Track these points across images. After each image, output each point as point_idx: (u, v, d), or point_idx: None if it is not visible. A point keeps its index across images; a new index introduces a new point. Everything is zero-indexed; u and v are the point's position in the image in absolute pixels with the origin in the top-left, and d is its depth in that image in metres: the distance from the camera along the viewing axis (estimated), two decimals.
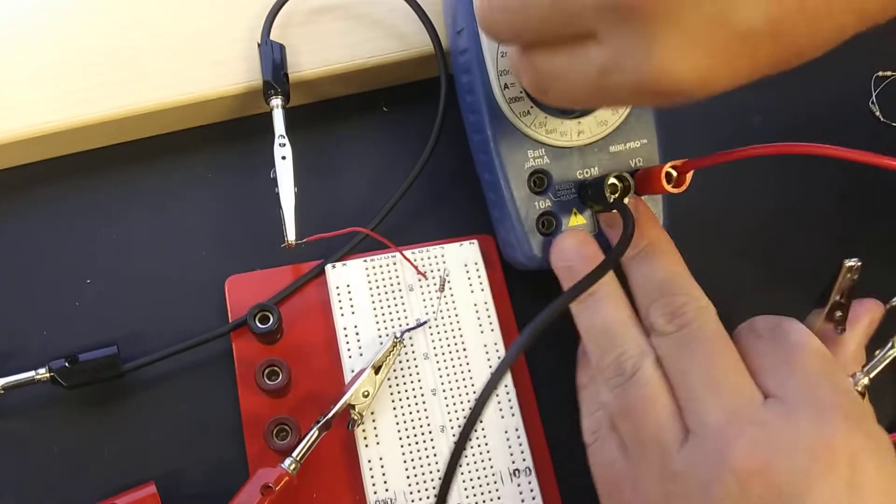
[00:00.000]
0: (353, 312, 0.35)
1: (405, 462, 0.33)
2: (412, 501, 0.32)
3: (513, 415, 0.34)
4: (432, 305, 0.35)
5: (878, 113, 0.43)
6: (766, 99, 0.43)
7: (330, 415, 0.32)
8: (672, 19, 0.23)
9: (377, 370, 0.33)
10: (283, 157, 0.35)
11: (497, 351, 0.35)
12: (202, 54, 0.38)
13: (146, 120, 0.37)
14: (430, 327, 0.35)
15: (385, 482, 0.32)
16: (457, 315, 0.35)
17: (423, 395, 0.34)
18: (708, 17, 0.23)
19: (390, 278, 0.36)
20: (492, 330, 0.35)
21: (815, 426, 0.26)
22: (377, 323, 0.35)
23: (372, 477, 0.32)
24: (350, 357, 0.34)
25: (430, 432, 0.33)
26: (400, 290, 0.36)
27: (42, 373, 0.33)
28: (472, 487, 0.33)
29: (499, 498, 0.33)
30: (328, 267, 0.36)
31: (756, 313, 0.32)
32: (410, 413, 0.33)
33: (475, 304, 0.36)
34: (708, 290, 0.31)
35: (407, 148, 0.39)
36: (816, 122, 0.43)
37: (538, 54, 0.27)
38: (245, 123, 0.39)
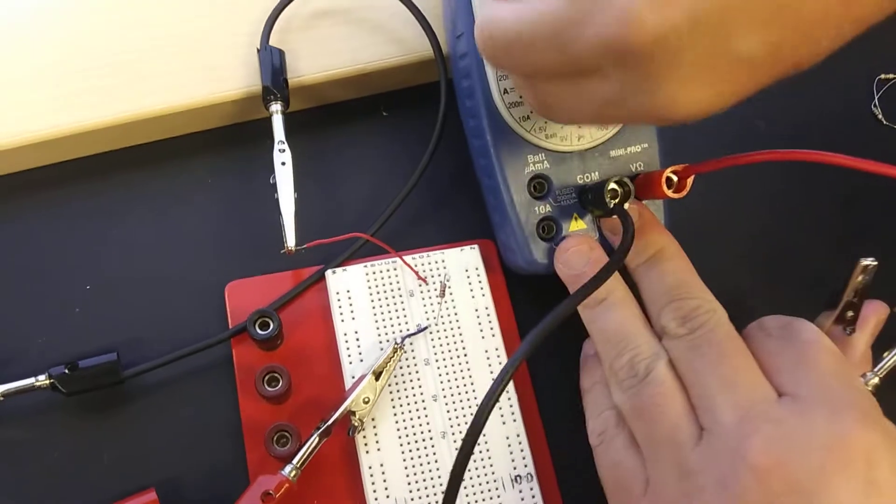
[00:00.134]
0: (353, 318, 0.35)
1: (406, 468, 0.33)
2: None
3: (514, 420, 0.34)
4: (433, 311, 0.35)
5: (880, 116, 0.43)
6: (768, 102, 0.42)
7: (330, 421, 0.32)
8: (674, 60, 0.24)
9: (378, 376, 0.33)
10: (283, 163, 0.35)
11: (498, 356, 0.35)
12: (201, 59, 0.38)
13: (145, 125, 0.37)
14: (430, 333, 0.35)
15: (386, 489, 0.32)
16: (458, 320, 0.35)
17: (423, 401, 0.34)
18: (708, 52, 0.23)
19: (391, 284, 0.36)
20: (493, 335, 0.35)
21: (830, 423, 0.26)
22: (377, 328, 0.35)
23: (373, 483, 0.32)
24: (350, 363, 0.34)
25: (431, 438, 0.33)
26: (400, 296, 0.35)
27: (42, 379, 0.32)
28: (474, 494, 0.32)
29: None
30: (328, 272, 0.36)
31: (760, 316, 0.32)
32: (411, 419, 0.33)
33: (476, 310, 0.36)
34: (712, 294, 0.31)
35: (407, 152, 0.39)
36: (819, 125, 0.42)
37: (542, 82, 0.28)
38: (245, 128, 0.39)
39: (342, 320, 0.35)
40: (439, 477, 0.33)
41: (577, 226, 0.35)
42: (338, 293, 0.35)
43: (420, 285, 0.36)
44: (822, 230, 0.40)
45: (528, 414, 0.34)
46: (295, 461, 0.31)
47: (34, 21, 0.38)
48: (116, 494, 0.32)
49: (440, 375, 0.34)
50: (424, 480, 0.32)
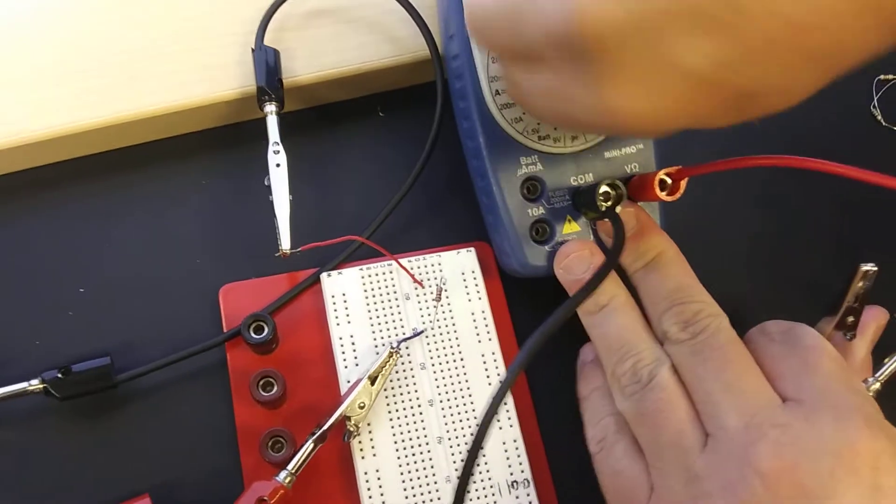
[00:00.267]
0: (348, 322, 0.35)
1: (402, 474, 0.32)
2: None
3: (511, 426, 0.34)
4: (429, 314, 0.35)
5: (879, 117, 0.42)
6: None
7: (325, 426, 0.31)
8: (614, 59, 0.24)
9: (373, 381, 0.33)
10: (278, 165, 0.35)
11: (495, 361, 0.35)
12: (195, 59, 0.37)
13: (138, 126, 0.37)
14: (426, 337, 0.35)
15: (382, 494, 0.32)
16: (454, 324, 0.35)
17: (420, 405, 0.34)
18: (647, 55, 0.23)
19: (386, 287, 0.35)
20: (489, 339, 0.35)
21: (837, 429, 0.26)
22: (373, 332, 0.34)
23: (368, 489, 0.32)
24: (346, 367, 0.34)
25: (428, 444, 0.33)
26: (396, 299, 0.35)
27: (35, 384, 0.32)
28: (471, 500, 0.32)
29: None
30: (324, 275, 0.35)
31: (760, 321, 0.32)
32: (407, 424, 0.33)
33: (472, 313, 0.35)
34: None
35: (403, 153, 0.39)
36: (817, 125, 0.42)
37: (508, 66, 0.29)
38: (239, 129, 0.39)
39: (337, 324, 0.34)
40: (435, 483, 0.32)
41: (570, 228, 0.35)
42: (333, 296, 0.35)
43: (416, 288, 0.35)
44: (821, 234, 0.40)
45: (525, 419, 0.34)
46: (290, 467, 0.31)
47: (29, 22, 0.37)
48: (110, 500, 0.32)
49: (436, 380, 0.34)
50: (421, 486, 0.32)
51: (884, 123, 0.42)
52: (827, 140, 0.42)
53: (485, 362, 0.35)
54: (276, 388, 0.33)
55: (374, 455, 0.32)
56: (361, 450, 0.32)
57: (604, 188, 0.33)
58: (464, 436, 0.33)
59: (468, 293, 0.36)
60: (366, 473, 0.32)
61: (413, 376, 0.34)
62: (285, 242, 0.34)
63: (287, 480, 0.31)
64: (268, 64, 0.36)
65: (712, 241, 0.39)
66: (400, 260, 0.35)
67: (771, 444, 0.26)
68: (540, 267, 0.34)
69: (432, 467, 0.33)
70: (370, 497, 0.32)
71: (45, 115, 0.36)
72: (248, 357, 0.34)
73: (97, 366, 0.33)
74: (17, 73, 0.36)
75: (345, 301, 0.35)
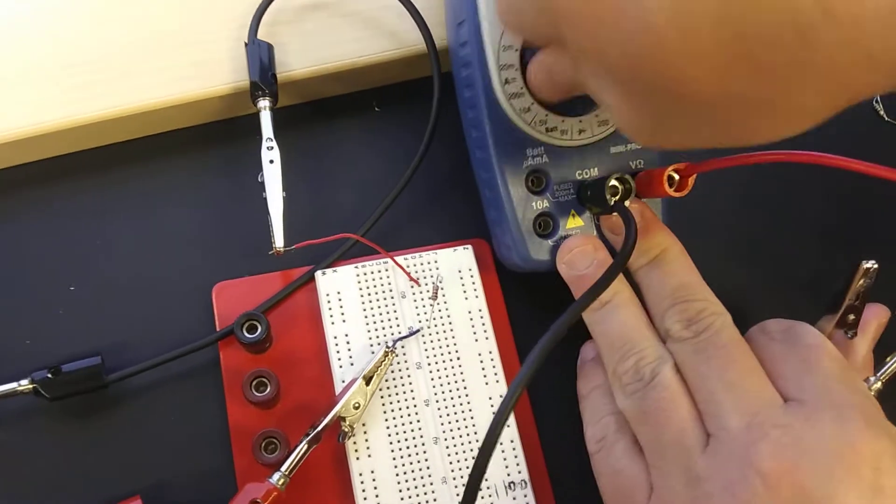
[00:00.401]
0: (343, 320, 0.34)
1: (397, 475, 0.32)
2: None
3: (508, 426, 0.33)
4: (425, 313, 0.34)
5: (882, 112, 0.42)
6: None
7: (319, 427, 0.31)
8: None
9: (368, 380, 0.32)
10: (271, 161, 0.34)
11: (492, 360, 0.34)
12: (187, 54, 0.37)
13: (129, 121, 0.36)
14: (423, 336, 0.34)
15: (377, 496, 0.31)
16: (451, 323, 0.34)
17: (415, 405, 0.33)
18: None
19: (382, 285, 0.35)
20: (486, 338, 0.34)
21: (838, 429, 0.26)
22: (368, 331, 0.34)
23: (363, 490, 0.31)
24: (341, 367, 0.33)
25: (423, 444, 0.32)
26: (392, 298, 0.35)
27: (24, 384, 0.32)
28: None
29: None
30: (318, 273, 0.35)
31: (761, 319, 0.31)
32: (403, 424, 0.33)
33: (469, 312, 0.35)
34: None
35: (399, 149, 0.38)
36: None
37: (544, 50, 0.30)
38: (232, 125, 0.38)
39: (332, 323, 0.34)
40: (431, 484, 0.32)
41: (574, 223, 0.34)
42: (328, 295, 0.34)
43: (412, 287, 0.35)
44: (823, 230, 0.39)
45: (523, 419, 0.34)
46: (283, 468, 0.30)
47: (19, 17, 0.37)
48: (101, 502, 0.31)
49: (433, 379, 0.34)
50: (416, 487, 0.32)
51: (886, 119, 0.42)
52: (829, 135, 0.41)
53: (482, 362, 0.34)
54: (269, 389, 0.32)
55: (370, 456, 0.32)
56: (356, 451, 0.32)
57: (613, 182, 0.33)
58: (460, 436, 0.33)
59: (465, 291, 0.35)
60: (361, 475, 0.32)
61: (409, 376, 0.33)
62: (279, 240, 0.33)
63: (281, 482, 0.30)
64: (261, 58, 0.36)
65: (713, 238, 0.38)
66: (396, 258, 0.35)
67: (772, 445, 0.26)
68: (542, 261, 0.34)
69: (428, 468, 0.32)
70: (365, 499, 0.31)
71: (35, 111, 0.35)
72: (241, 356, 0.34)
73: (88, 366, 0.32)
74: (6, 69, 0.36)
75: (339, 299, 0.34)
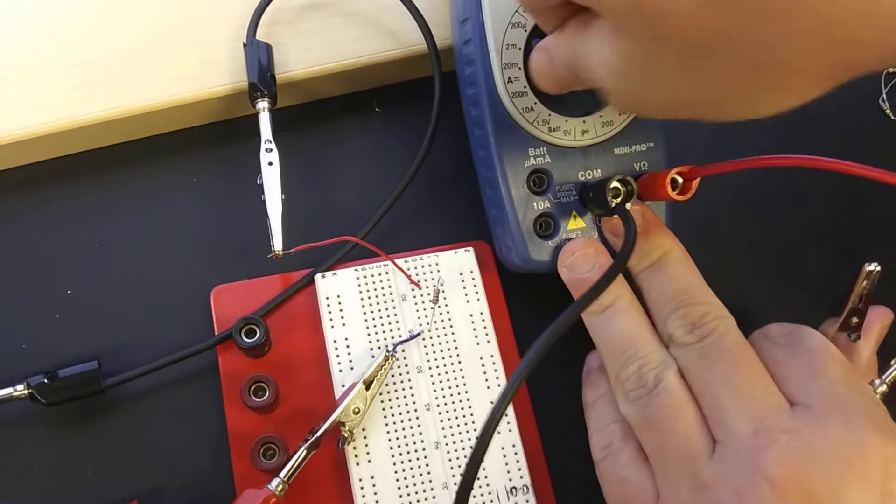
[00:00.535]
0: (343, 324, 0.34)
1: (398, 481, 0.31)
2: None
3: (510, 431, 0.33)
4: (426, 316, 0.34)
5: (888, 111, 0.42)
6: None
7: (319, 432, 0.31)
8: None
9: (368, 385, 0.32)
10: (270, 163, 0.34)
11: (493, 363, 0.34)
12: (185, 54, 0.36)
13: (127, 123, 0.36)
14: (423, 339, 0.34)
15: (377, 502, 0.31)
16: (451, 326, 0.34)
17: (416, 410, 0.33)
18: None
19: (382, 288, 0.34)
20: (488, 341, 0.34)
21: (845, 433, 0.26)
22: (369, 335, 0.34)
23: (363, 497, 0.31)
24: (340, 371, 0.33)
25: (424, 449, 0.32)
26: (392, 301, 0.34)
27: (20, 389, 0.31)
28: None
29: None
30: (318, 276, 0.34)
31: (764, 322, 0.31)
32: (403, 429, 0.32)
33: (471, 315, 0.34)
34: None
35: (400, 150, 0.38)
36: (825, 120, 0.41)
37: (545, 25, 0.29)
38: (231, 126, 0.38)
39: (332, 326, 0.34)
40: (432, 489, 0.32)
41: (575, 224, 0.34)
42: (327, 298, 0.34)
43: (413, 290, 0.34)
44: (828, 232, 0.39)
45: (525, 423, 0.33)
46: (282, 474, 0.30)
47: (17, 17, 0.36)
48: None
49: (433, 384, 0.33)
50: (417, 493, 0.31)
51: (892, 118, 0.41)
52: (836, 135, 0.41)
53: (483, 365, 0.34)
54: (268, 394, 0.32)
55: (370, 462, 0.32)
56: (356, 456, 0.32)
57: (614, 184, 0.32)
58: (462, 441, 0.32)
59: (466, 294, 0.35)
60: (361, 480, 0.31)
61: (409, 380, 0.33)
62: (277, 243, 0.33)
63: (279, 488, 0.30)
64: (260, 59, 0.35)
65: (715, 241, 0.38)
66: (396, 260, 0.34)
67: (780, 451, 0.26)
68: (542, 262, 0.34)
69: (429, 473, 0.32)
70: None
71: (32, 112, 0.35)
72: (240, 361, 0.33)
73: (84, 370, 0.32)
74: (4, 69, 0.35)
75: (339, 303, 0.34)
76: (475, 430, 0.32)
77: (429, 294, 0.34)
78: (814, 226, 0.39)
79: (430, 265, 0.35)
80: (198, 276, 0.35)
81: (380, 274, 0.35)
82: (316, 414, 0.32)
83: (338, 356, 0.33)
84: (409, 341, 0.33)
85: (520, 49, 0.33)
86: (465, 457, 0.32)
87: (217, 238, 0.36)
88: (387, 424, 0.32)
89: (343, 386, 0.32)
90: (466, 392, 0.33)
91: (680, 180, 0.31)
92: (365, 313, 0.34)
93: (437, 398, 0.33)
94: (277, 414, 0.33)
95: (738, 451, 0.27)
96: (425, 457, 0.32)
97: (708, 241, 0.36)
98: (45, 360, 0.33)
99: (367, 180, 0.38)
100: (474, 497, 0.32)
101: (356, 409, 0.31)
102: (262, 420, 0.32)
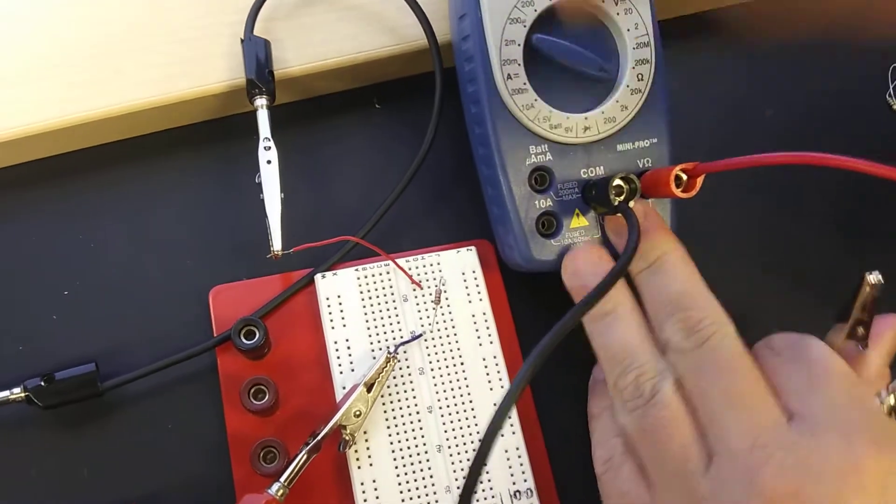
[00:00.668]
0: (344, 325, 0.33)
1: (400, 484, 0.31)
2: None
3: (514, 433, 0.32)
4: (428, 317, 0.34)
5: (895, 106, 0.41)
6: (779, 91, 0.41)
7: (320, 436, 0.30)
8: None
9: (370, 387, 0.31)
10: (269, 162, 0.33)
11: (496, 364, 0.33)
12: (182, 51, 0.36)
13: (123, 121, 0.35)
14: (425, 340, 0.33)
15: None
16: (454, 327, 0.34)
17: (418, 412, 0.32)
18: None
19: (383, 288, 0.34)
20: (491, 342, 0.34)
21: (843, 448, 0.26)
22: (370, 336, 0.33)
23: (365, 500, 0.31)
24: (341, 373, 0.32)
25: (427, 452, 0.32)
26: (394, 301, 0.34)
27: (17, 392, 0.31)
28: None
29: None
30: (318, 276, 0.34)
31: (770, 327, 0.31)
32: (405, 432, 0.32)
33: (473, 315, 0.34)
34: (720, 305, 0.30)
35: (401, 147, 0.37)
36: (831, 115, 0.41)
37: None
38: (229, 123, 0.38)
39: (332, 327, 0.33)
40: (434, 493, 0.31)
41: (578, 222, 0.33)
42: (328, 299, 0.33)
43: (414, 290, 0.34)
44: (837, 232, 0.38)
45: (528, 427, 0.33)
46: (283, 479, 0.30)
47: (9, 16, 0.36)
48: None
49: (436, 385, 0.33)
50: (419, 497, 0.31)
51: None
52: (842, 130, 0.40)
53: (486, 367, 0.33)
54: (268, 396, 0.31)
55: (371, 465, 0.31)
56: (358, 460, 0.31)
57: (617, 181, 0.32)
58: (465, 444, 0.32)
59: (468, 294, 0.34)
60: (362, 484, 0.31)
61: (411, 382, 0.33)
62: (276, 243, 0.32)
63: (280, 493, 0.29)
64: (258, 55, 0.35)
65: (720, 241, 0.37)
66: (397, 260, 0.34)
67: (776, 467, 0.26)
68: (545, 261, 0.33)
69: (431, 477, 0.31)
70: None
71: (26, 111, 0.34)
72: (239, 362, 0.33)
73: (82, 373, 0.32)
74: None
75: (340, 303, 0.33)
76: (478, 432, 0.32)
77: (430, 294, 0.34)
78: (821, 224, 0.39)
79: (431, 265, 0.35)
80: (196, 277, 0.35)
81: (381, 274, 0.34)
82: (316, 417, 0.31)
83: (338, 358, 0.33)
84: (410, 342, 0.33)
85: (519, 45, 0.33)
86: (468, 460, 0.32)
87: (215, 238, 0.36)
88: (388, 427, 0.32)
89: (344, 388, 0.32)
90: (469, 394, 0.33)
91: (684, 177, 0.31)
92: (366, 314, 0.33)
93: (439, 400, 0.32)
94: (277, 417, 0.32)
95: (734, 466, 0.26)
96: (428, 460, 0.32)
97: (711, 241, 0.36)
98: (41, 363, 0.32)
99: (368, 178, 0.37)
100: (477, 501, 0.31)
101: (357, 412, 0.31)
102: (262, 423, 0.32)
